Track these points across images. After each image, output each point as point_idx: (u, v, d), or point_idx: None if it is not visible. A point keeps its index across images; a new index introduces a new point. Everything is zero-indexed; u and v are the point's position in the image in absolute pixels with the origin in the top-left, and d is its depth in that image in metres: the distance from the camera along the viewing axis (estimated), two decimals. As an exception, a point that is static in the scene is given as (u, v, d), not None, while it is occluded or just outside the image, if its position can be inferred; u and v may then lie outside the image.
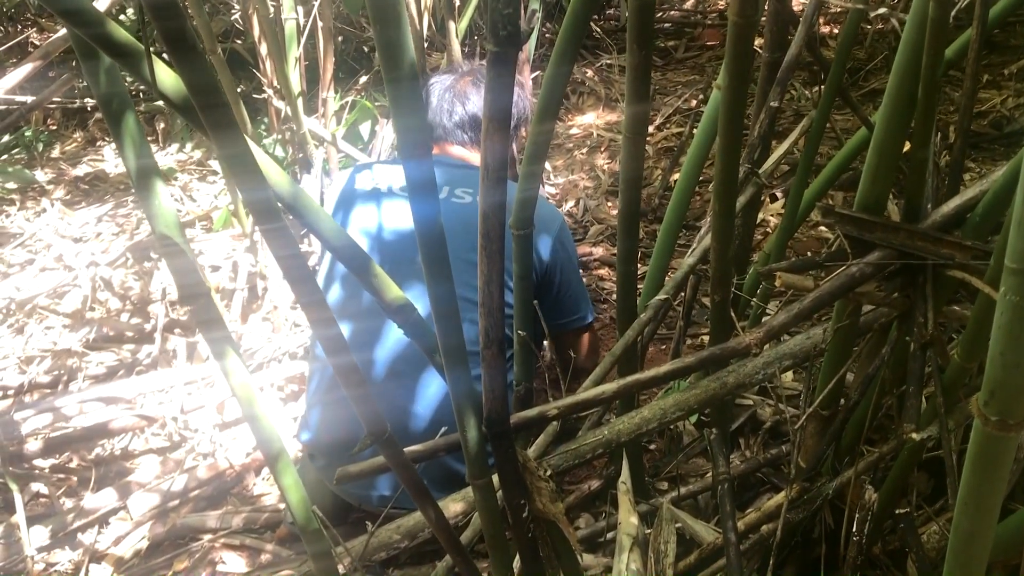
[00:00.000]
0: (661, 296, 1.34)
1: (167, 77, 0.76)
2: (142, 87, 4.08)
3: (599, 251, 2.88)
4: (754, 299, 1.78)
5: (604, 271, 2.79)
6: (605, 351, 2.40)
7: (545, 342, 1.91)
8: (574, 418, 1.44)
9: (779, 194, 2.88)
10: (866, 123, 1.59)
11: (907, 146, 0.99)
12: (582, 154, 3.59)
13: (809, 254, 2.51)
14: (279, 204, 0.82)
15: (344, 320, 1.64)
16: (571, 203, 3.21)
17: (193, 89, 0.65)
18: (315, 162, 2.83)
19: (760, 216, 2.74)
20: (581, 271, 2.62)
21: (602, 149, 3.61)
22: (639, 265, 2.78)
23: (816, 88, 3.38)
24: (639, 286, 1.93)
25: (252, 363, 2.36)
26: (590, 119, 3.91)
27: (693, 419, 1.88)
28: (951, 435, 0.99)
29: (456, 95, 1.88)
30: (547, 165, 3.46)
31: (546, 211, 1.80)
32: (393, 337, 1.61)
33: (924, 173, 1.00)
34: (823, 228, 2.67)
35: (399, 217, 1.73)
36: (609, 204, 3.15)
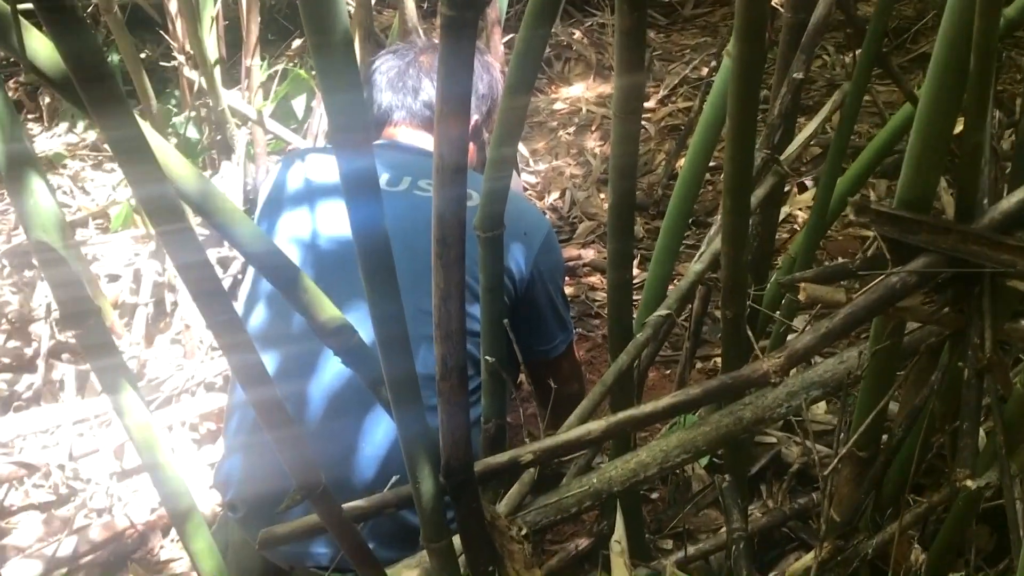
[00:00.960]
0: (662, 311, 1.33)
1: (40, 45, 0.75)
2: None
3: (589, 254, 2.89)
4: (776, 314, 1.77)
5: (595, 278, 2.80)
6: (595, 376, 2.43)
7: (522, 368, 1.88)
8: (555, 463, 1.45)
9: (809, 183, 2.91)
10: (910, 97, 1.58)
11: (960, 126, 0.98)
12: (568, 135, 3.60)
13: (840, 259, 2.52)
14: (182, 201, 0.82)
15: (271, 346, 1.65)
16: (555, 195, 3.22)
17: (70, 58, 0.64)
18: (237, 146, 2.81)
19: (784, 211, 2.77)
20: (567, 279, 2.69)
21: (593, 128, 3.63)
22: (636, 271, 2.87)
23: (852, 54, 3.40)
24: (636, 298, 1.95)
25: (158, 396, 2.35)
26: (578, 91, 3.92)
27: (703, 462, 1.88)
28: (1015, 481, 0.99)
29: (423, 70, 1.90)
30: (523, 149, 3.47)
31: (530, 217, 1.82)
32: (332, 367, 1.61)
33: (979, 160, 1.00)
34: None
35: (340, 220, 1.73)
36: (601, 196, 3.15)
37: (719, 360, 2.19)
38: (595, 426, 1.06)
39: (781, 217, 2.58)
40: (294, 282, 0.92)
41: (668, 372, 2.41)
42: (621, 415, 1.06)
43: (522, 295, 1.77)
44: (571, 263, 2.83)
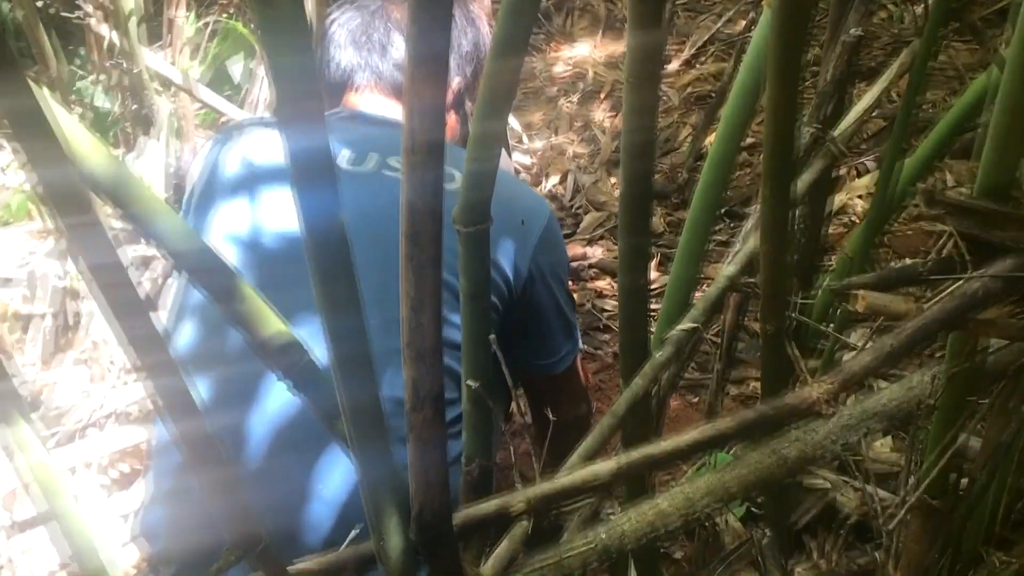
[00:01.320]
0: (687, 324, 1.32)
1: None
2: None
3: (597, 252, 2.89)
4: (828, 328, 1.78)
5: (604, 282, 2.81)
6: (605, 405, 2.43)
7: (514, 395, 1.88)
8: (554, 513, 1.44)
9: (869, 164, 2.93)
10: (996, 59, 1.58)
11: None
12: (571, 104, 3.60)
13: (907, 260, 2.53)
14: (89, 188, 0.81)
15: (203, 368, 1.64)
16: (555, 179, 3.23)
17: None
18: (159, 119, 2.80)
19: (837, 200, 2.77)
20: (571, 283, 2.62)
21: (602, 96, 3.63)
22: (654, 274, 2.88)
23: (923, 5, 3.40)
24: (654, 307, 1.90)
25: (59, 431, 2.33)
26: (584, 51, 3.93)
27: (739, 511, 1.89)
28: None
29: (392, 23, 1.90)
30: (515, 122, 3.47)
31: (527, 201, 1.82)
32: (277, 394, 1.61)
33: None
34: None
35: (288, 212, 1.65)
36: (612, 181, 3.16)
37: (757, 385, 2.25)
38: (604, 467, 1.05)
39: (834, 208, 2.56)
40: (230, 289, 0.92)
41: (695, 400, 2.41)
42: (636, 453, 1.05)
43: (518, 298, 1.77)
44: (575, 263, 2.83)
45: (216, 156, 1.84)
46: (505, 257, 1.73)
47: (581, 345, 1.96)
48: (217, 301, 0.91)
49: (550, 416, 1.83)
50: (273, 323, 0.95)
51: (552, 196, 3.18)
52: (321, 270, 0.82)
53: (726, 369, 1.91)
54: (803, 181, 1.44)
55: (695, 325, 1.33)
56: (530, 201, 1.82)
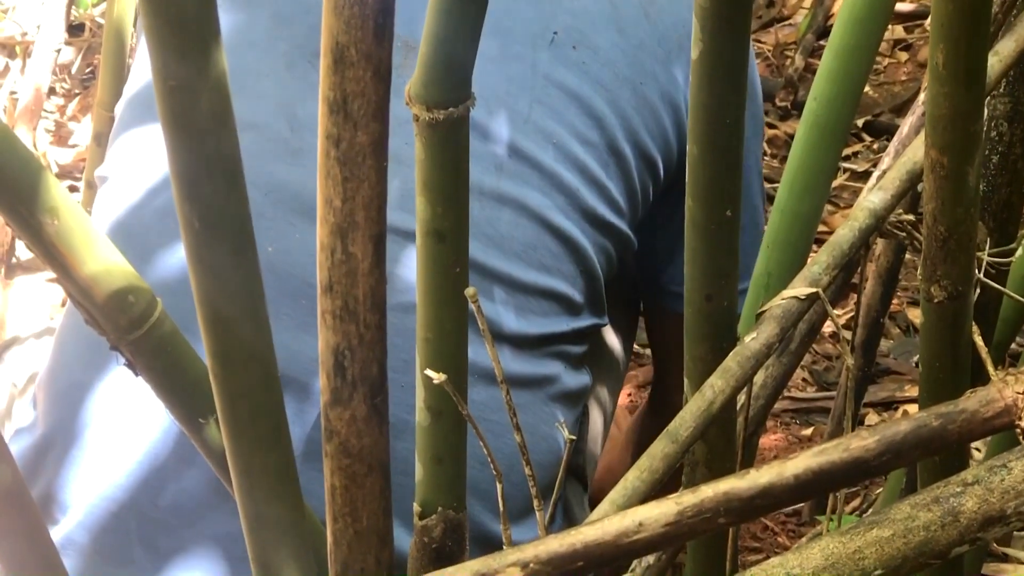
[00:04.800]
0: (800, 289, 1.19)
1: None
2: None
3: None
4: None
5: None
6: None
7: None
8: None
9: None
10: None
11: None
12: None
13: None
14: None
15: None
16: None
17: None
18: None
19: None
20: None
21: None
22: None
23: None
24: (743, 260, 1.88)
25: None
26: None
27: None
28: None
29: None
30: None
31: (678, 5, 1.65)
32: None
33: None
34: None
35: None
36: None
37: (912, 408, 2.15)
38: (653, 512, 0.91)
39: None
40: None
41: (806, 432, 2.22)
42: (709, 490, 0.92)
43: (667, 189, 1.66)
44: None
45: None
46: (650, 116, 1.59)
47: None
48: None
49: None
50: (100, 254, 0.88)
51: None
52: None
53: (863, 380, 1.80)
54: (1003, 50, 1.29)
55: (815, 291, 1.19)
56: (685, 10, 1.58)
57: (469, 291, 1.01)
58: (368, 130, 0.74)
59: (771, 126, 2.83)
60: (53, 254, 0.85)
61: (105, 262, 0.88)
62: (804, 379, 2.32)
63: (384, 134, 0.76)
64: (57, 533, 1.55)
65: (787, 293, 1.21)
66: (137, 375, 0.92)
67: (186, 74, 0.69)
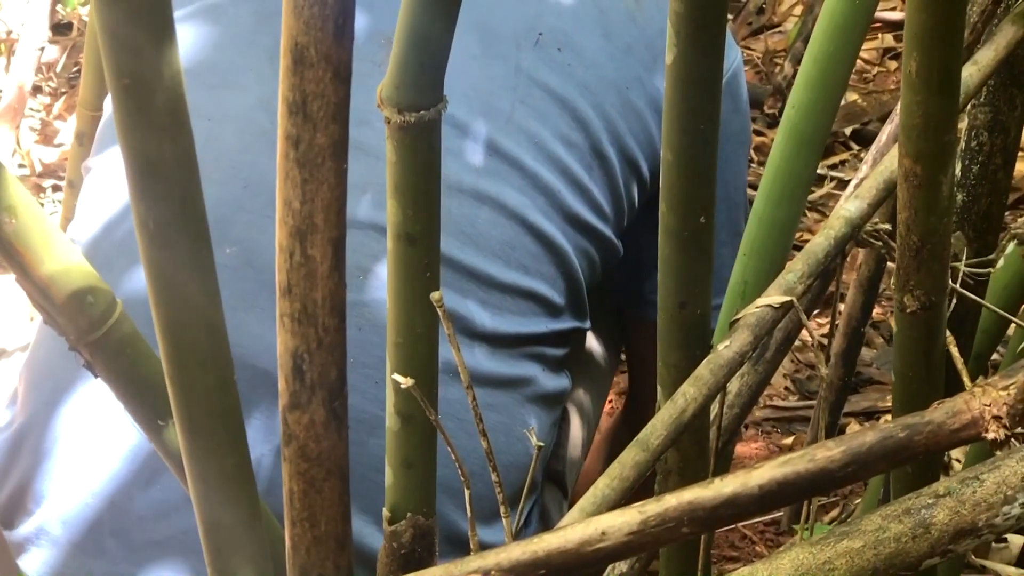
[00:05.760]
0: (775, 297, 1.20)
1: None
2: None
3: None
4: (1015, 320, 1.65)
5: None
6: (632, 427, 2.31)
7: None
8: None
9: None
10: None
11: None
12: None
13: None
14: None
15: None
16: None
17: None
18: None
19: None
20: None
21: None
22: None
23: None
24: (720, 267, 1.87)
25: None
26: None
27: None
28: None
29: None
30: None
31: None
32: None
33: None
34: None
35: None
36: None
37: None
38: (617, 520, 0.92)
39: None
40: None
41: (787, 441, 2.22)
42: (673, 499, 0.93)
43: (657, 190, 1.65)
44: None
45: None
46: (635, 121, 1.60)
47: None
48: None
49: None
50: (59, 253, 0.87)
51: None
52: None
53: (842, 389, 1.81)
54: (982, 59, 1.30)
55: (788, 299, 1.20)
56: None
57: (435, 295, 1.01)
58: (327, 132, 0.74)
59: (759, 133, 2.83)
60: (11, 253, 0.85)
61: (64, 262, 0.87)
62: (786, 388, 2.33)
63: (344, 136, 0.75)
64: (31, 524, 1.58)
65: (761, 301, 1.22)
66: (96, 376, 0.92)
67: (140, 71, 0.67)
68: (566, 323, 1.59)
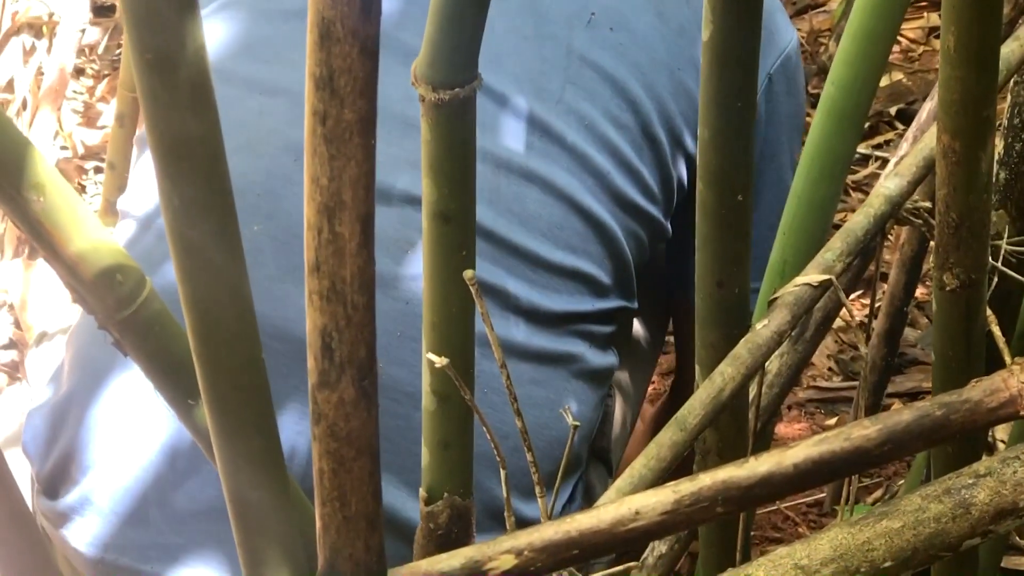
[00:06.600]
0: (813, 276, 1.19)
1: None
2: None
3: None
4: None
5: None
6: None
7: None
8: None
9: None
10: None
11: None
12: None
13: None
14: None
15: None
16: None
17: None
18: None
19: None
20: None
21: None
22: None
23: None
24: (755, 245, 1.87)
25: None
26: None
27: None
28: None
29: None
30: None
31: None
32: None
33: None
34: None
35: None
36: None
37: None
38: (651, 500, 0.91)
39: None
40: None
41: (831, 423, 2.21)
42: (708, 478, 0.93)
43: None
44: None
45: None
46: (686, 103, 1.61)
47: None
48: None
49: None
50: (88, 232, 0.87)
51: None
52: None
53: (885, 369, 1.81)
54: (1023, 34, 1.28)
55: (827, 278, 1.20)
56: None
57: (467, 274, 1.01)
58: (355, 107, 0.72)
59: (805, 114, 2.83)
60: (39, 232, 0.85)
61: (92, 240, 0.87)
62: (830, 368, 2.31)
63: (372, 112, 0.73)
64: (76, 493, 1.60)
65: (799, 280, 1.22)
66: (126, 355, 0.92)
67: (163, 46, 0.67)
68: (613, 302, 1.60)
